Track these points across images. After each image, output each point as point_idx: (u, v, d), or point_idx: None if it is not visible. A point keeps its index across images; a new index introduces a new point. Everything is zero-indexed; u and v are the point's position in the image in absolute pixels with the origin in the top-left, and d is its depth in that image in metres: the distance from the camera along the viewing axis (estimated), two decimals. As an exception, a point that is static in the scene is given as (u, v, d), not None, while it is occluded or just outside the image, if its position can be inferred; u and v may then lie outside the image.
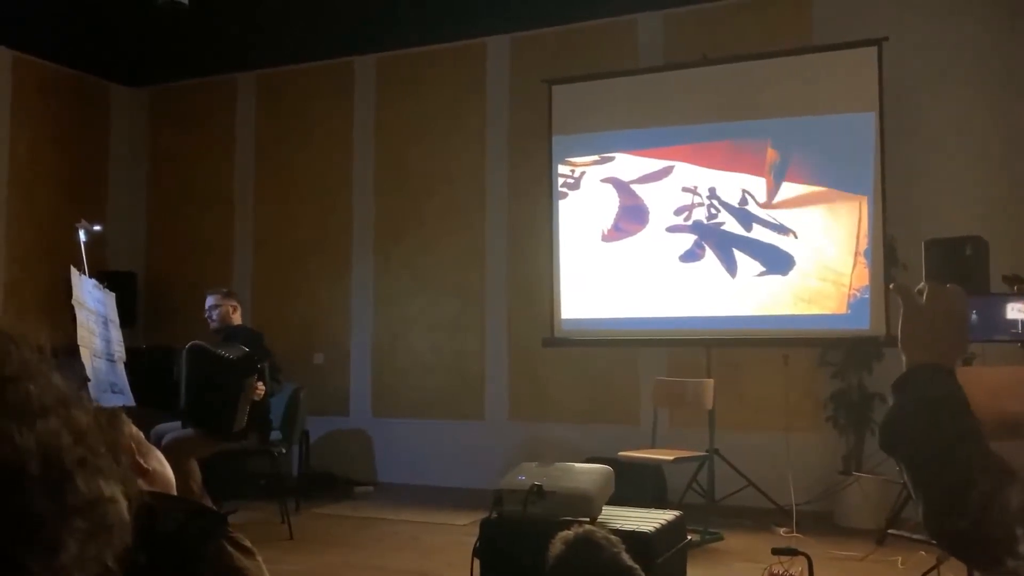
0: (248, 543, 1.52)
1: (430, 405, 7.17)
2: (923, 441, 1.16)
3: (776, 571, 3.63)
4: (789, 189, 5.81)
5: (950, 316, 1.26)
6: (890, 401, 1.24)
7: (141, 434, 1.60)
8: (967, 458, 1.14)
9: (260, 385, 5.11)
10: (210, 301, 5.67)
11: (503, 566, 3.29)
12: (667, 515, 3.52)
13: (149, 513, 1.45)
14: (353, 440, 7.36)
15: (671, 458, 5.09)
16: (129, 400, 5.18)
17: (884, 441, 1.23)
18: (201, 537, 1.46)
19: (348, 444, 7.34)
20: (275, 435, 5.77)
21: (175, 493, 1.63)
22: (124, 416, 1.61)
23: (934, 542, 1.22)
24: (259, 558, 1.53)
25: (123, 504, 0.64)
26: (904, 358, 1.26)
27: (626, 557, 2.11)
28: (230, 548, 1.47)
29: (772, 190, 5.84)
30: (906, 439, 1.19)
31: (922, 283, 1.32)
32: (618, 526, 3.22)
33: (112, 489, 0.64)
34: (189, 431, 5.02)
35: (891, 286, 1.34)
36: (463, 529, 5.30)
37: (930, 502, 1.16)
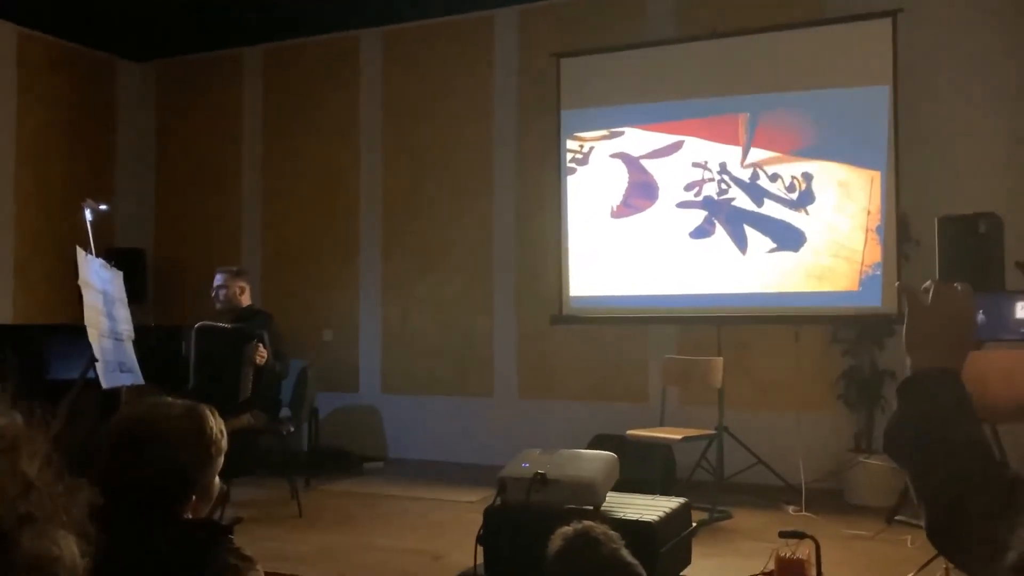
0: (248, 552, 1.54)
1: (439, 382, 7.17)
2: (928, 451, 1.13)
3: (783, 554, 3.61)
4: (800, 164, 5.73)
5: (956, 317, 1.23)
6: (894, 404, 1.21)
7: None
8: (972, 469, 1.11)
9: (261, 348, 5.13)
10: (218, 280, 5.67)
11: (507, 554, 3.29)
12: (672, 503, 3.50)
13: (151, 527, 1.46)
14: (363, 416, 7.38)
15: (679, 437, 5.07)
16: (138, 379, 5.20)
17: (889, 448, 1.21)
18: (203, 549, 1.47)
19: (358, 420, 7.36)
20: (284, 412, 5.79)
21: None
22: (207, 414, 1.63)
23: (937, 550, 1.19)
24: (259, 567, 1.55)
25: (73, 556, 0.62)
26: (909, 360, 1.22)
27: (625, 553, 2.09)
28: (232, 560, 1.49)
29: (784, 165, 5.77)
30: (911, 448, 1.16)
31: (928, 282, 1.28)
32: (622, 515, 3.21)
33: (61, 543, 0.61)
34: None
35: (896, 285, 1.31)
36: (472, 506, 5.30)
37: (933, 511, 1.13)
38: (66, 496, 0.64)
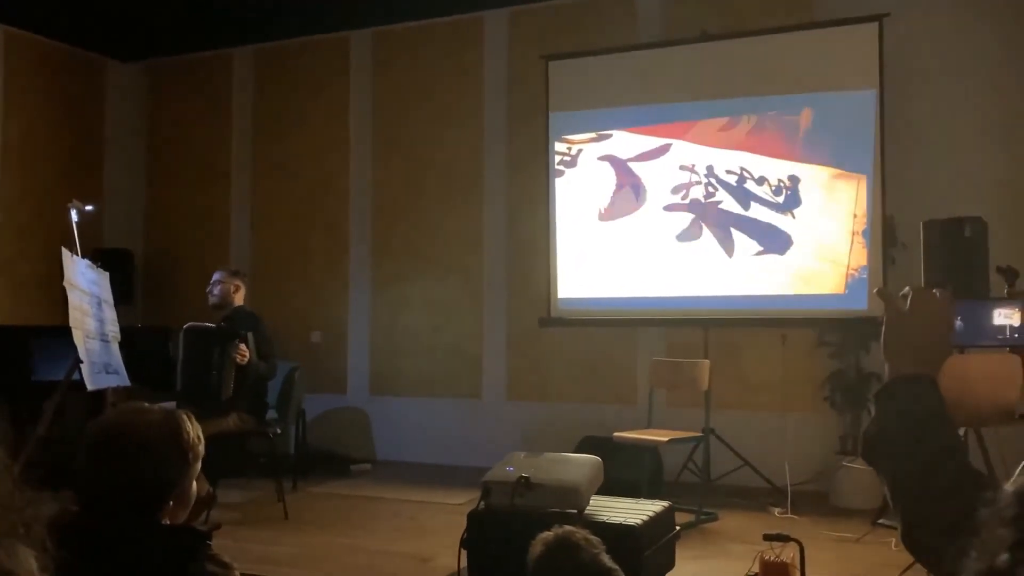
0: (227, 558, 1.54)
1: (428, 384, 7.16)
2: (904, 458, 1.14)
3: (768, 556, 3.62)
4: (787, 167, 5.75)
5: (934, 323, 1.24)
6: (872, 411, 1.22)
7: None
8: (947, 477, 1.12)
9: (243, 347, 5.17)
10: (215, 277, 5.75)
11: (491, 558, 3.28)
12: (656, 506, 3.51)
13: (128, 533, 1.46)
14: (350, 418, 7.36)
15: (666, 439, 5.08)
16: (124, 380, 5.18)
17: (866, 454, 1.21)
18: (181, 556, 1.47)
19: (346, 422, 7.35)
20: (271, 414, 5.78)
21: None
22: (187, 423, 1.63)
23: (912, 557, 1.20)
24: (237, 572, 1.55)
25: (31, 571, 0.61)
26: (887, 366, 1.23)
27: (606, 558, 2.10)
28: (210, 567, 1.49)
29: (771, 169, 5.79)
30: (887, 455, 1.17)
31: (906, 288, 1.29)
32: (605, 519, 3.21)
33: (19, 557, 0.60)
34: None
35: (875, 291, 1.31)
36: (460, 509, 5.28)
37: (908, 518, 1.14)
38: (25, 510, 0.63)
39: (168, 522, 1.58)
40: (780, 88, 5.80)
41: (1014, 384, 3.64)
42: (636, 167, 6.15)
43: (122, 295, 6.34)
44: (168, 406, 5.15)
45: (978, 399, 3.64)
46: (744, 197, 5.84)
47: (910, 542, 1.14)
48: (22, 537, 0.61)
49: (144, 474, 1.53)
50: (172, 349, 5.72)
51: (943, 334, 1.26)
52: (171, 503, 1.57)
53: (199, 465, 1.63)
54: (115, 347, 5.33)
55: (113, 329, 5.40)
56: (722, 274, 5.87)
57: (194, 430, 1.63)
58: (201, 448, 1.63)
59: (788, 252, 5.72)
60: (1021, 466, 3.94)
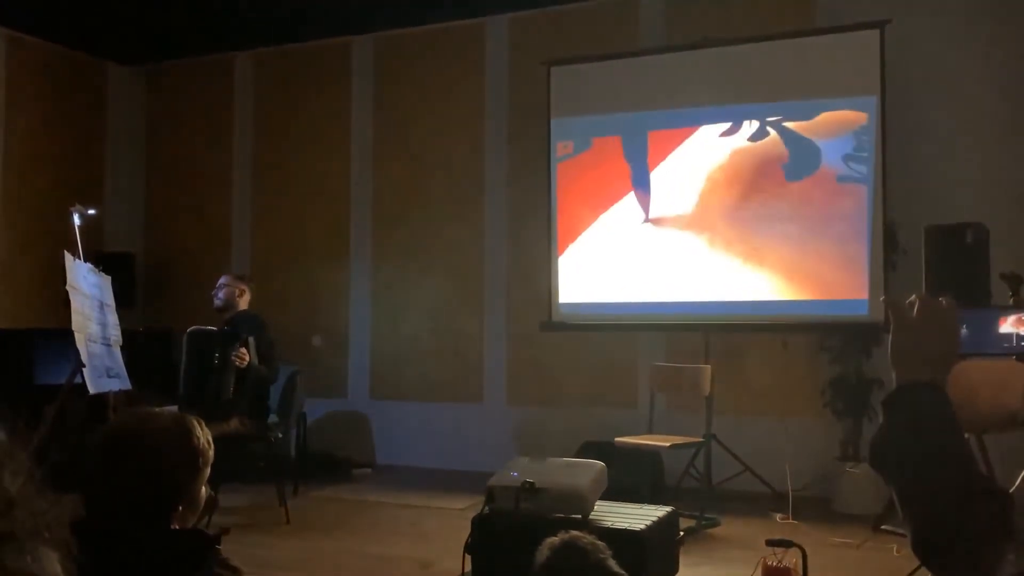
0: (235, 562, 1.54)
1: (428, 388, 7.16)
2: (913, 467, 1.14)
3: (770, 562, 3.63)
4: (789, 172, 5.76)
5: (941, 331, 1.24)
6: (880, 415, 1.22)
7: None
8: (957, 484, 1.12)
9: (243, 350, 5.19)
10: (221, 281, 5.80)
11: (495, 563, 3.28)
12: (660, 511, 3.51)
13: (138, 537, 1.46)
14: (351, 422, 7.36)
15: (667, 444, 5.08)
16: (125, 384, 5.19)
17: (874, 461, 1.21)
18: (190, 560, 1.48)
19: (346, 426, 7.35)
20: (272, 418, 5.78)
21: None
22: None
23: (919, 562, 1.20)
24: None
25: (55, 574, 0.61)
26: (894, 374, 1.23)
27: (613, 563, 2.10)
28: (219, 571, 1.49)
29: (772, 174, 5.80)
30: (896, 463, 1.17)
31: (912, 296, 1.29)
32: (610, 524, 3.21)
33: (43, 561, 0.60)
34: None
35: (881, 300, 1.32)
36: (460, 513, 5.29)
37: (918, 526, 1.14)
38: (48, 513, 0.63)
39: (177, 527, 1.59)
40: (782, 94, 5.80)
41: (1016, 390, 3.64)
42: (637, 171, 6.15)
43: (123, 299, 6.34)
44: (170, 410, 5.15)
45: (980, 405, 3.65)
46: (746, 202, 5.84)
47: (920, 549, 1.14)
48: (46, 540, 0.61)
49: (155, 479, 1.54)
50: (174, 352, 5.73)
51: (950, 341, 1.26)
52: (181, 508, 1.57)
53: (209, 470, 1.63)
54: (117, 351, 5.34)
55: (115, 333, 5.41)
56: (723, 279, 5.87)
57: (204, 435, 1.64)
58: (211, 453, 1.64)
59: (790, 257, 5.72)
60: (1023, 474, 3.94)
